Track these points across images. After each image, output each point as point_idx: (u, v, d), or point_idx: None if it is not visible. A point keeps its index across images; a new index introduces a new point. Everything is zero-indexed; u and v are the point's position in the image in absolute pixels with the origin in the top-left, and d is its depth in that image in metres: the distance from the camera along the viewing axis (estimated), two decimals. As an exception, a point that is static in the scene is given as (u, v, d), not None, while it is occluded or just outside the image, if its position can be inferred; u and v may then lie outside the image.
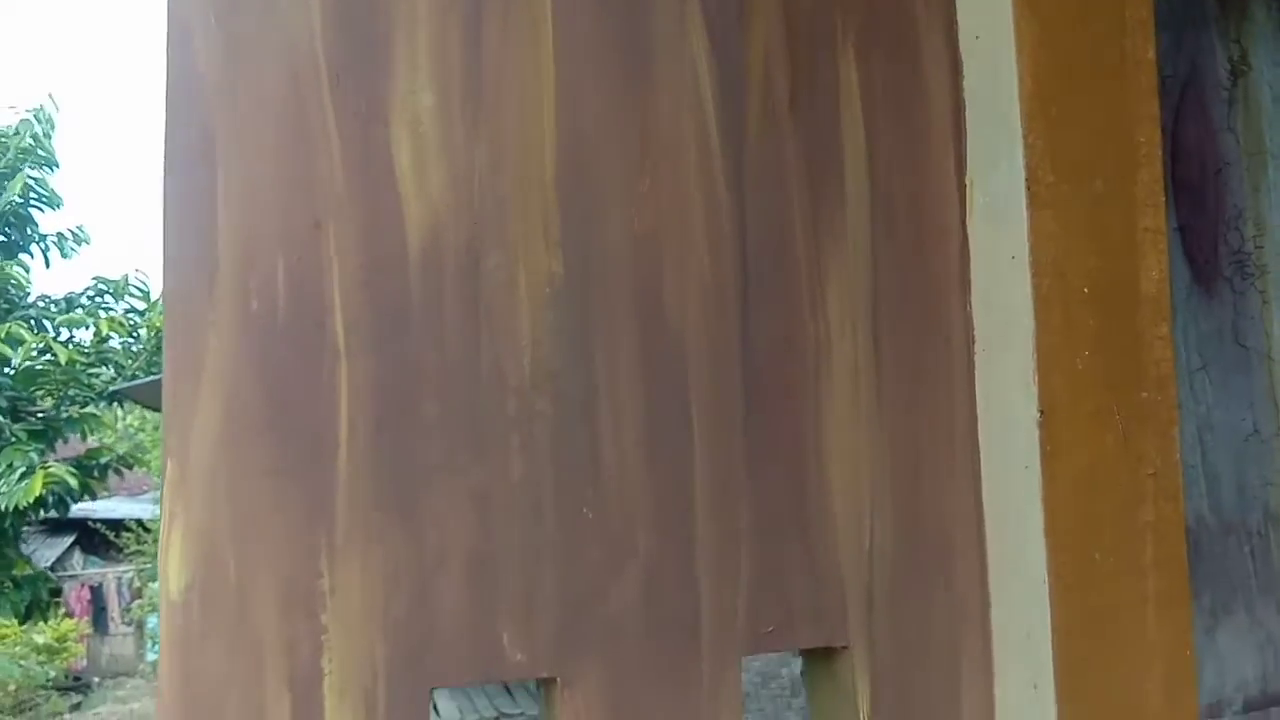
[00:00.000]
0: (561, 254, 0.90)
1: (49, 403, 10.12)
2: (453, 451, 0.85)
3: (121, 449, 10.46)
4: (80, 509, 17.27)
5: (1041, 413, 0.90)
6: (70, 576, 16.05)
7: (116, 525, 16.56)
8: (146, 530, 14.52)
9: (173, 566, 0.78)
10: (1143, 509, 0.92)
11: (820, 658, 0.97)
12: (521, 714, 8.62)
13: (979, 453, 0.96)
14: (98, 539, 17.16)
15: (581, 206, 0.90)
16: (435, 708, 8.54)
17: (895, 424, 0.96)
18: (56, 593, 14.73)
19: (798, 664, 7.05)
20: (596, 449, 0.89)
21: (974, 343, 0.98)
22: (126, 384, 9.98)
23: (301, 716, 0.80)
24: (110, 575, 16.17)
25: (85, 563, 17.09)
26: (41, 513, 9.97)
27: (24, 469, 8.94)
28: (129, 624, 15.72)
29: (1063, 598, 0.89)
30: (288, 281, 0.83)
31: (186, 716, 0.78)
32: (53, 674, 10.45)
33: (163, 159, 0.83)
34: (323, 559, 0.81)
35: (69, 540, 16.75)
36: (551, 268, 0.89)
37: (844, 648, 0.93)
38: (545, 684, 0.88)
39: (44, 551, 14.56)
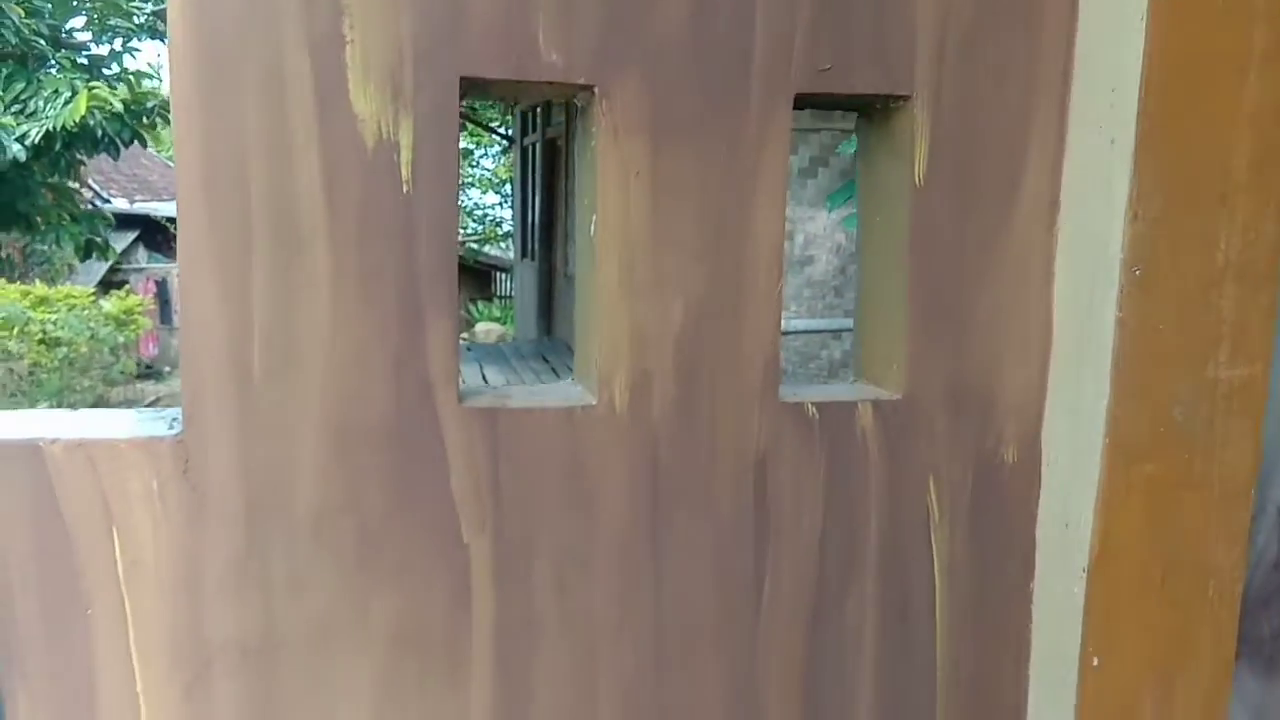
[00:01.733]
0: None
1: (89, 35, 9.93)
2: None
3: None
4: (142, 206, 17.68)
5: None
6: (136, 270, 16.66)
7: (177, 222, 16.91)
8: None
9: (178, -106, 0.71)
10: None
11: (877, 118, 0.90)
12: (562, 385, 9.08)
13: (1090, -117, 0.84)
14: (160, 236, 17.66)
15: None
16: (484, 377, 8.98)
17: None
18: (123, 284, 15.34)
19: (836, 346, 7.19)
20: None
21: None
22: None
23: (325, 83, 0.75)
24: (174, 271, 16.75)
25: (149, 258, 17.69)
26: (93, 148, 9.85)
27: (69, 94, 8.88)
28: (193, 318, 16.41)
29: (1161, 41, 0.80)
30: None
31: (200, 67, 0.73)
32: (121, 339, 11.02)
33: None
34: (343, -86, 0.73)
35: (133, 235, 17.25)
36: None
37: (905, 98, 0.85)
38: (583, 97, 0.82)
39: (109, 244, 14.97)
